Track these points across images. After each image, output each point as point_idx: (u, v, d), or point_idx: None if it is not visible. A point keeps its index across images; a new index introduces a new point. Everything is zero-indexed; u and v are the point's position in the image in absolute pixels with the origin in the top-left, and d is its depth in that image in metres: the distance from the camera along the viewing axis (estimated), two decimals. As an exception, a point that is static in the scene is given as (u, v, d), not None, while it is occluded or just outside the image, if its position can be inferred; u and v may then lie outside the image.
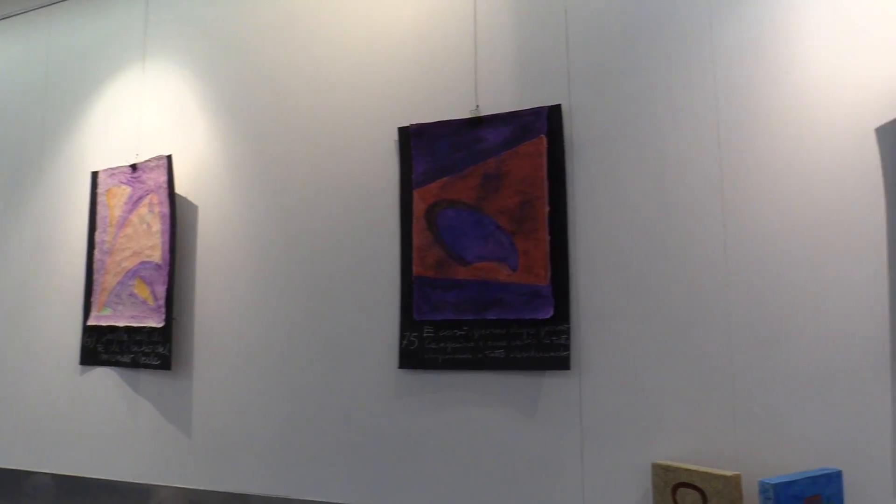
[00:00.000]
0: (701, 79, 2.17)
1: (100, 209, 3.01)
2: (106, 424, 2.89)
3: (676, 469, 2.05)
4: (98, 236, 2.99)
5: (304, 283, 2.57)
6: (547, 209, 2.24)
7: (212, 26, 2.89)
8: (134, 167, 2.91)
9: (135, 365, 2.80)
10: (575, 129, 2.28)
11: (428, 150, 2.41)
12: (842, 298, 2.00)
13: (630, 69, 2.25)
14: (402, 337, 2.39)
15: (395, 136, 2.48)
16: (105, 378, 2.94)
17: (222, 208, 2.72)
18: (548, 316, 2.21)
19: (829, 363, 2.00)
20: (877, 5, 2.05)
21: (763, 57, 2.12)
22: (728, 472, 1.97)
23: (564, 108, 2.28)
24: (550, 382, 2.25)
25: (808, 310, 2.02)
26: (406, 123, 2.46)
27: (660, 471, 2.08)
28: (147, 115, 3.00)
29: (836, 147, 2.05)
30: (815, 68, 2.08)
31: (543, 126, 2.27)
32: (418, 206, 2.40)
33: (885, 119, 2.01)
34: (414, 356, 2.37)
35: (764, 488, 1.90)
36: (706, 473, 1.99)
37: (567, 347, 2.20)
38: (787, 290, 2.05)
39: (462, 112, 2.40)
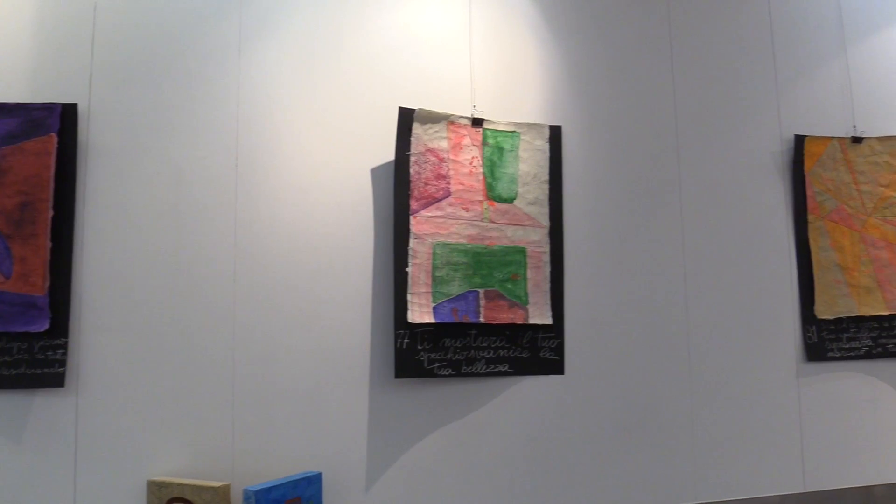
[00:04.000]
0: (225, 101, 2.23)
1: None
2: None
3: (170, 484, 2.03)
4: None
5: None
6: (51, 213, 2.08)
7: None
8: None
9: None
10: (92, 132, 2.16)
11: None
12: (331, 317, 2.20)
13: (157, 80, 2.21)
14: None
15: None
16: None
17: None
18: (43, 329, 2.04)
19: (318, 376, 2.19)
20: (372, 61, 2.33)
21: (285, 89, 2.27)
22: (217, 484, 2.02)
23: (82, 109, 2.15)
24: (43, 402, 2.07)
25: (303, 327, 2.19)
26: None
27: (154, 488, 2.05)
28: None
29: (338, 182, 2.26)
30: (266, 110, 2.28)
31: (55, 124, 2.11)
32: None
33: (379, 162, 2.28)
34: None
35: (247, 496, 1.98)
36: (197, 486, 2.02)
37: (63, 363, 2.05)
38: (288, 309, 2.19)
39: (-40, 97, 2.11)
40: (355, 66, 2.34)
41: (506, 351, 2.31)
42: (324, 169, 2.26)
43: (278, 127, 2.26)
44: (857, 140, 2.73)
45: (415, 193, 2.25)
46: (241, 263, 2.19)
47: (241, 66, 2.27)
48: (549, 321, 2.34)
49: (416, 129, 2.28)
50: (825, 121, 2.76)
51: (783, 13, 2.80)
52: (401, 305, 2.21)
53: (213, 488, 2.01)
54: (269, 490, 2.01)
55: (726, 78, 2.69)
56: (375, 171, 2.30)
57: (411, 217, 2.24)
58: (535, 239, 2.36)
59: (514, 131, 2.38)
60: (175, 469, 2.11)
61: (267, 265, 2.20)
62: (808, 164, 2.66)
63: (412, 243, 2.23)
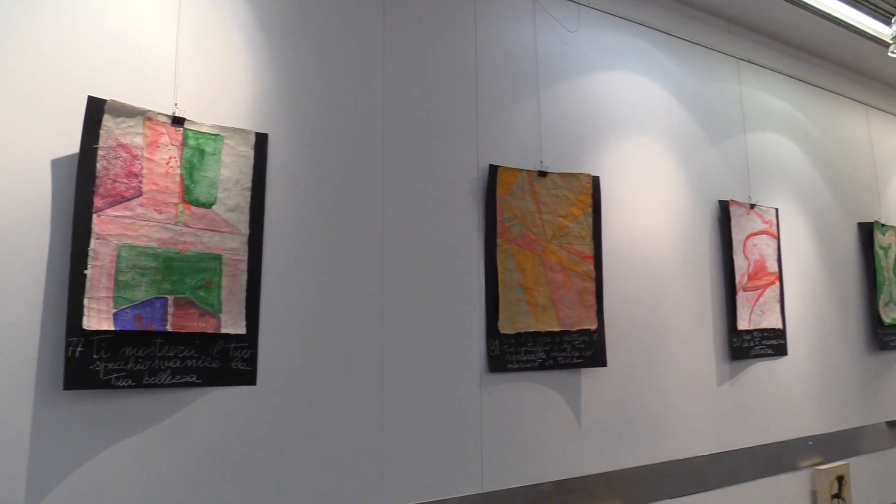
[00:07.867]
0: None
1: None
2: None
3: None
4: None
5: None
6: None
7: None
8: None
9: None
10: None
11: None
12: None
13: None
14: None
15: None
16: None
17: None
18: None
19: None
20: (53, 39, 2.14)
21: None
22: None
23: None
24: None
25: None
26: None
27: None
28: None
29: (10, 171, 2.04)
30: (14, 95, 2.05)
31: None
32: None
33: (62, 153, 2.09)
34: None
35: None
36: None
37: None
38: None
39: None
40: (44, 46, 2.13)
41: (194, 361, 2.23)
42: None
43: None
44: (542, 174, 3.07)
45: (100, 190, 2.10)
46: None
47: None
48: (242, 331, 2.30)
49: (108, 121, 2.13)
50: (517, 154, 3.07)
51: (488, 54, 3.07)
52: (75, 310, 2.04)
53: None
54: None
55: (433, 105, 2.88)
56: (57, 163, 2.11)
57: (94, 215, 2.08)
58: (233, 246, 2.32)
59: (217, 135, 2.33)
60: None
61: None
62: (499, 192, 2.94)
63: (93, 244, 2.07)
